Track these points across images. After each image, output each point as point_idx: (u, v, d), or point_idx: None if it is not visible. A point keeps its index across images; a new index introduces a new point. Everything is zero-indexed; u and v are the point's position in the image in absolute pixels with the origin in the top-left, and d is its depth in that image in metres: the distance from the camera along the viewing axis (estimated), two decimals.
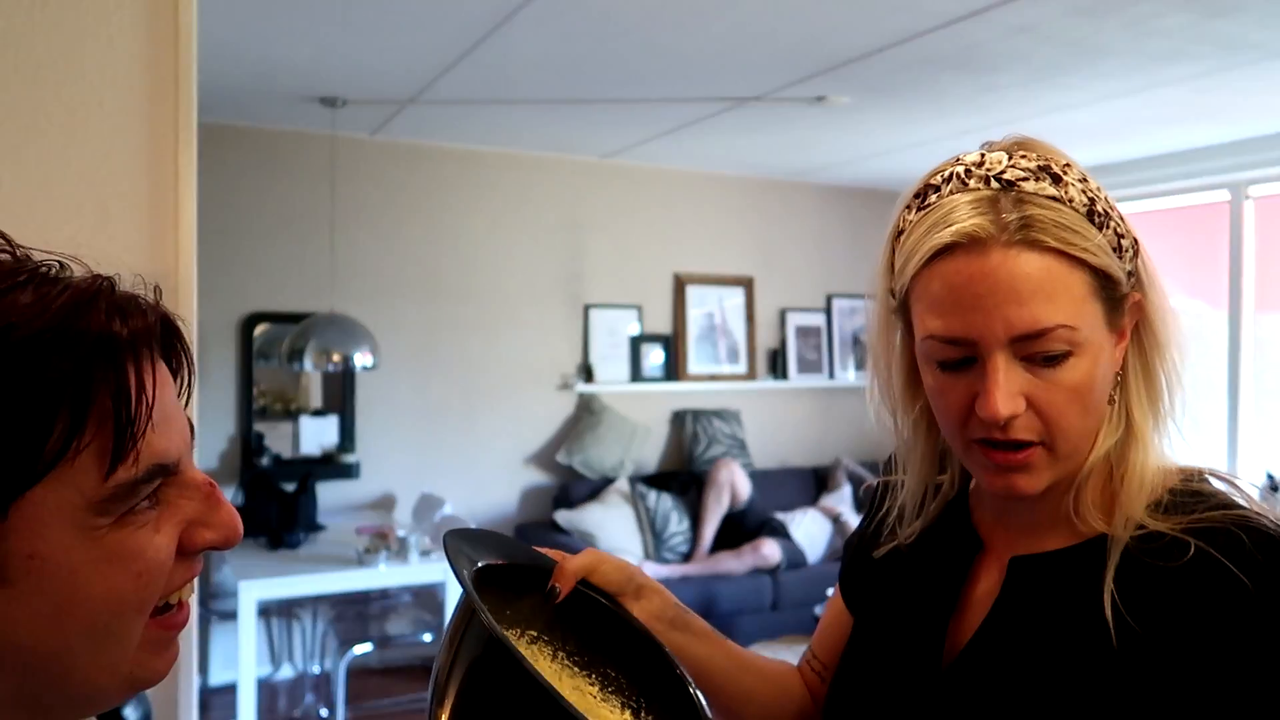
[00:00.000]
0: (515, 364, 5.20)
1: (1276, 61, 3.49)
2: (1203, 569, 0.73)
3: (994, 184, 0.76)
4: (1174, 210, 5.23)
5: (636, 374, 5.46)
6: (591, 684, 0.86)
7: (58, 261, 0.53)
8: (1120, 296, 0.79)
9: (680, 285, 5.63)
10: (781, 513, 5.28)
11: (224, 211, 4.44)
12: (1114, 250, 0.78)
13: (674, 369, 5.58)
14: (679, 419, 5.62)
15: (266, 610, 4.47)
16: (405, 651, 4.76)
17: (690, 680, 0.86)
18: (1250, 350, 4.88)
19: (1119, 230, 0.79)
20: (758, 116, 4.36)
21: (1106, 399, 0.81)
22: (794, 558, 4.99)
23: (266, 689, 4.47)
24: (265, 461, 4.64)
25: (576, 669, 0.87)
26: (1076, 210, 0.77)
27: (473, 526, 0.96)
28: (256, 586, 3.58)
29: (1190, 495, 0.78)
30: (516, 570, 0.89)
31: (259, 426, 4.72)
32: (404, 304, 4.92)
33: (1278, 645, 0.71)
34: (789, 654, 4.70)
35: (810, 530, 5.21)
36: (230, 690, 3.92)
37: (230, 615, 3.92)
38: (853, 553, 1.03)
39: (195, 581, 0.58)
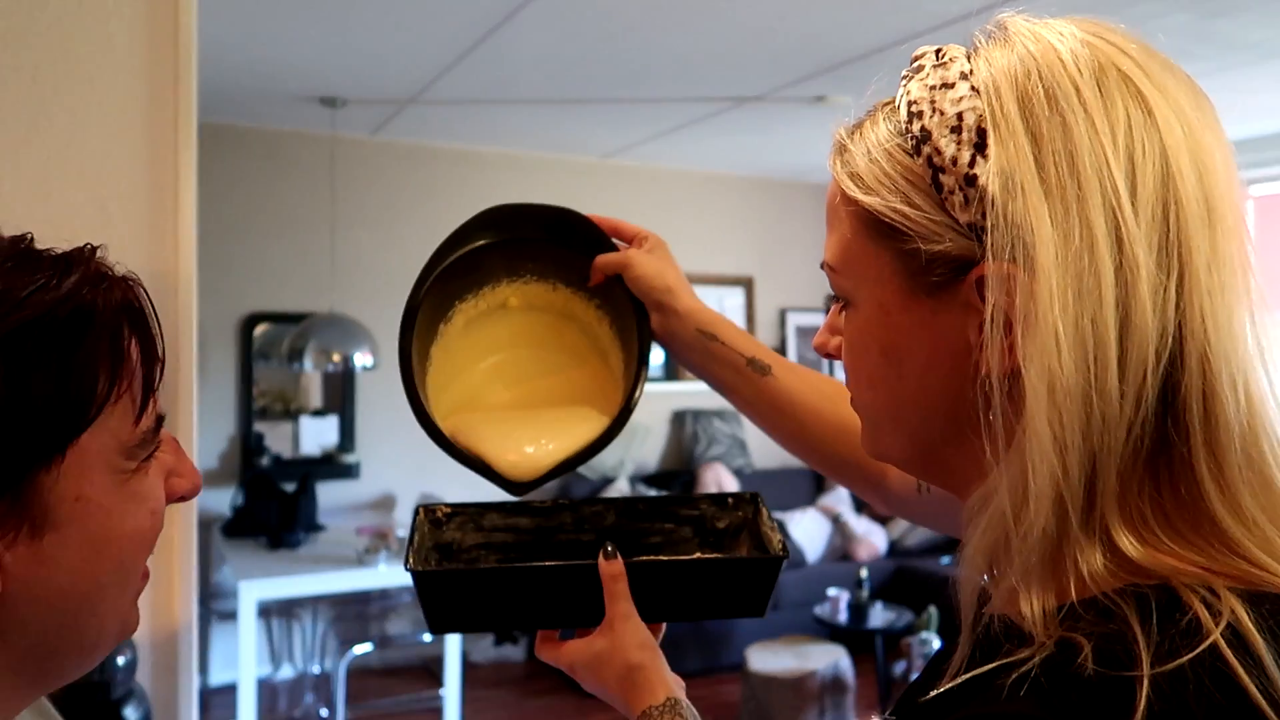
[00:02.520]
0: None
1: (1276, 61, 3.50)
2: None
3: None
4: None
5: None
6: (621, 360, 0.99)
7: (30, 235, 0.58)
8: (930, 256, 0.54)
9: None
10: (781, 513, 5.28)
11: (224, 211, 4.44)
12: (930, 184, 0.54)
13: (674, 369, 5.57)
14: (679, 419, 5.62)
15: (266, 610, 4.46)
16: (405, 651, 4.76)
17: (635, 395, 0.95)
18: None
19: (937, 162, 0.53)
20: (758, 116, 4.36)
21: (900, 377, 0.59)
22: (793, 557, 5.00)
23: (266, 689, 4.47)
24: (265, 461, 4.64)
25: (620, 343, 1.00)
26: (890, 127, 0.58)
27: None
28: (256, 586, 3.58)
29: (1074, 616, 0.48)
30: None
31: (259, 426, 4.72)
32: (404, 304, 4.91)
33: None
34: (789, 654, 4.65)
35: (809, 530, 5.21)
36: (230, 690, 3.92)
37: (230, 615, 3.92)
38: None
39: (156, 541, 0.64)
